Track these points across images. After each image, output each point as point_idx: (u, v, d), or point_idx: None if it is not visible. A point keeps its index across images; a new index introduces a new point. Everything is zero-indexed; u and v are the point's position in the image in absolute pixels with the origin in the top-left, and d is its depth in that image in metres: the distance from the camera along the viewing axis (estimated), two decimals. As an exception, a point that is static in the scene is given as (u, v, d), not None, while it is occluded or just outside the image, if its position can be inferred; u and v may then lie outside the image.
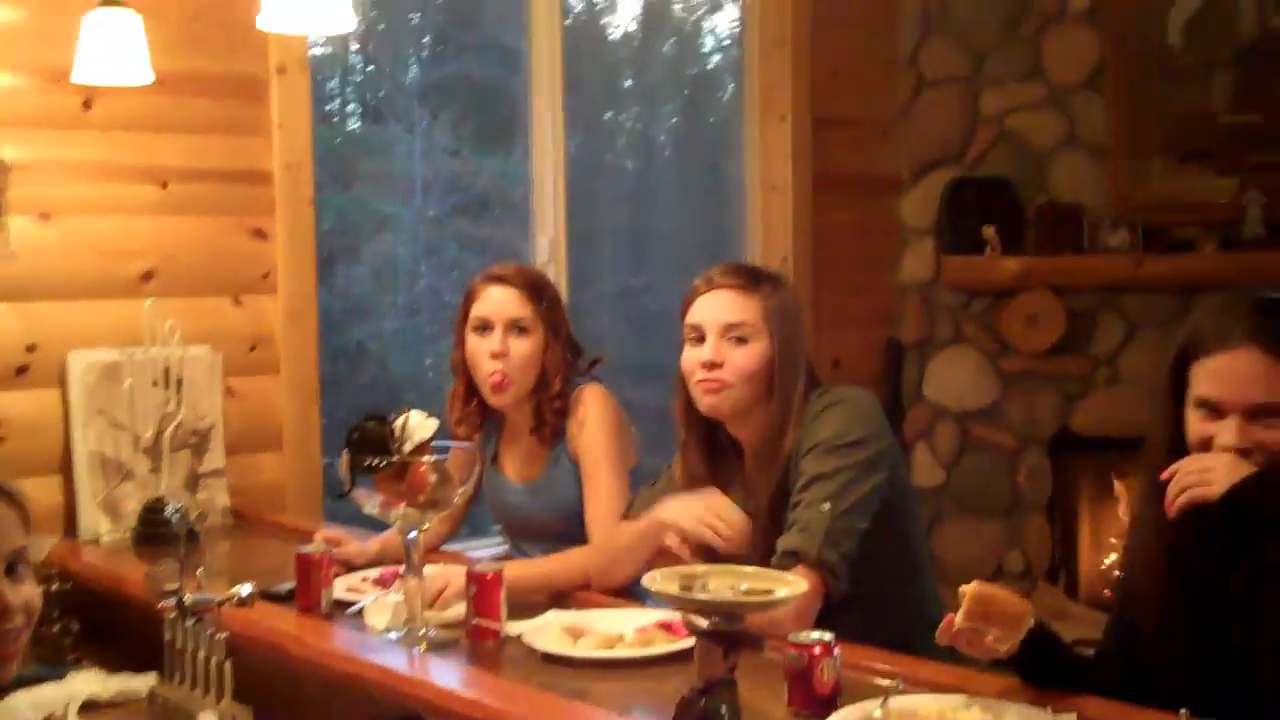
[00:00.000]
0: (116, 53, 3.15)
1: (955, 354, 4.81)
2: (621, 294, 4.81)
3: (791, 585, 1.64)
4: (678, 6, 4.97)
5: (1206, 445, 1.90)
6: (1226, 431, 1.88)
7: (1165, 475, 1.90)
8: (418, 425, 2.39)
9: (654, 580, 1.63)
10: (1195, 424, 1.93)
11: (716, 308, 2.52)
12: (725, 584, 1.60)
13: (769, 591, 1.62)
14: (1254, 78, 4.58)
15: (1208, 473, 1.83)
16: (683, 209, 5.00)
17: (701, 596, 1.56)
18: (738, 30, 4.83)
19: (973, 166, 4.81)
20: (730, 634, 1.53)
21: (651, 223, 4.95)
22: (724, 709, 1.44)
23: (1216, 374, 1.91)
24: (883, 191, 4.87)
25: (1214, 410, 1.91)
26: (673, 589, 1.58)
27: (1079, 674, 1.96)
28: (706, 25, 5.04)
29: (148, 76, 3.20)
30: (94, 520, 3.19)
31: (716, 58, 5.11)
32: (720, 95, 5.07)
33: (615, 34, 4.89)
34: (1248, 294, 1.99)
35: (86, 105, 3.31)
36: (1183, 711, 1.61)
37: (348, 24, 2.81)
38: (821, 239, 4.64)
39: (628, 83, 5.03)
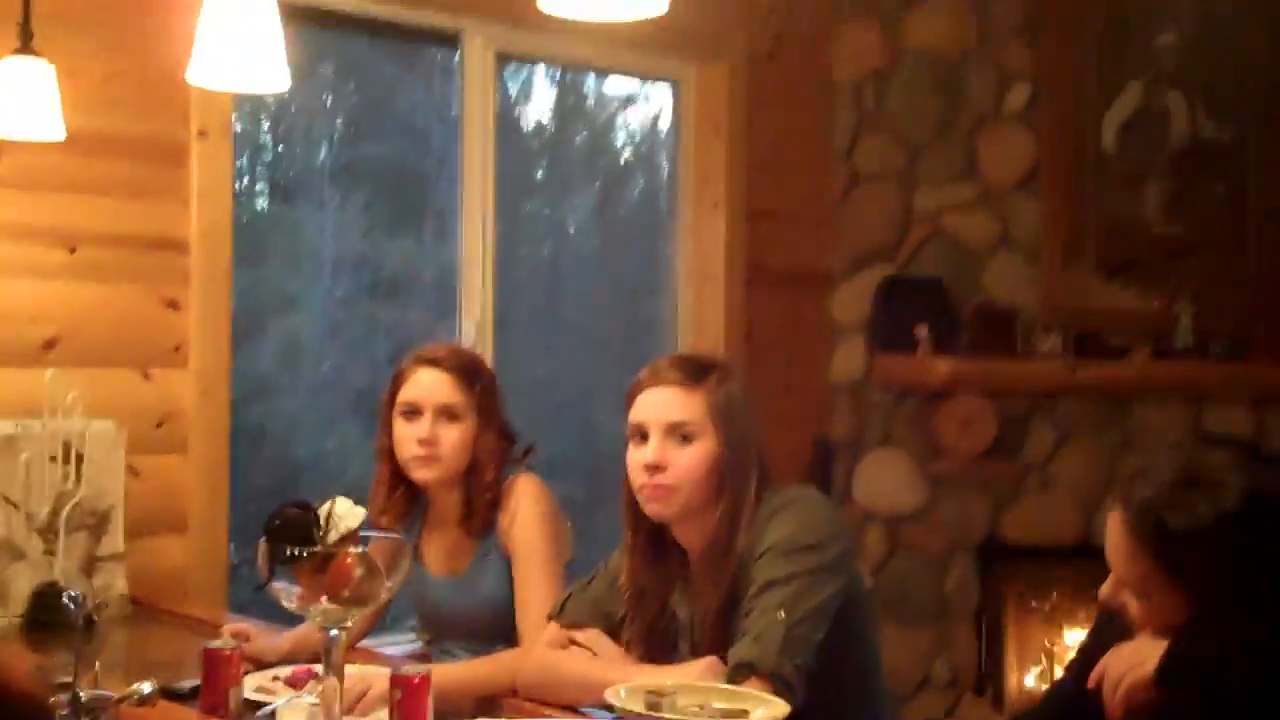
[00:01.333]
0: (28, 106, 2.96)
1: (885, 455, 4.69)
2: (530, 385, 4.68)
3: (770, 706, 1.49)
4: (590, 101, 4.90)
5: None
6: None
7: (1093, 683, 1.81)
8: (344, 514, 2.20)
9: (617, 696, 1.48)
10: None
11: (660, 405, 2.36)
12: (694, 701, 1.45)
13: (744, 712, 1.47)
14: (1184, 187, 4.60)
15: (1137, 653, 1.76)
16: (593, 301, 4.89)
17: (671, 717, 1.40)
18: (649, 125, 4.76)
19: (906, 264, 4.73)
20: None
21: (561, 313, 4.83)
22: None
23: None
24: (815, 286, 4.76)
25: None
26: (638, 707, 1.42)
27: None
28: (619, 120, 4.97)
29: (60, 133, 3.02)
30: (-20, 604, 2.96)
31: (627, 152, 5.04)
32: (633, 189, 4.99)
33: (529, 125, 4.82)
34: None
35: (-8, 161, 3.13)
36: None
37: (281, 83, 2.64)
38: (754, 332, 4.53)
39: (539, 173, 4.95)
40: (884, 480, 4.69)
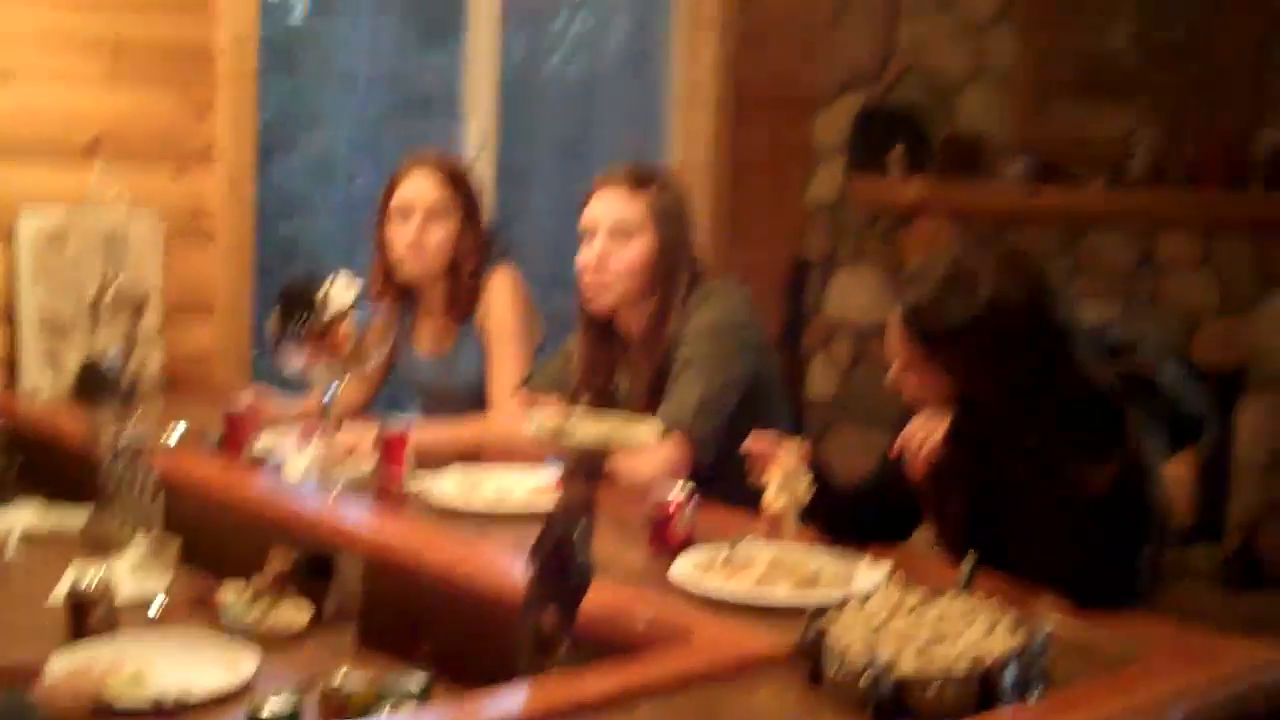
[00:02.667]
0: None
1: (856, 272, 5.07)
2: (559, 202, 4.98)
3: (648, 430, 1.93)
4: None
5: None
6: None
7: (896, 451, 2.27)
8: (341, 291, 2.63)
9: (535, 423, 1.91)
10: None
11: (605, 207, 2.78)
12: (596, 431, 1.88)
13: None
14: (1154, 22, 4.83)
15: (928, 423, 2.19)
16: (624, 119, 5.14)
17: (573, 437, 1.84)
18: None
19: (886, 92, 5.04)
20: (589, 462, 1.82)
21: (592, 132, 5.12)
22: (581, 526, 1.71)
23: None
24: (799, 110, 5.07)
25: None
26: (549, 430, 1.86)
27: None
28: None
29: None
30: (36, 373, 3.43)
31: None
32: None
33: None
34: None
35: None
36: (970, 553, 1.93)
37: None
38: (739, 154, 4.84)
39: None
40: (854, 294, 5.07)
